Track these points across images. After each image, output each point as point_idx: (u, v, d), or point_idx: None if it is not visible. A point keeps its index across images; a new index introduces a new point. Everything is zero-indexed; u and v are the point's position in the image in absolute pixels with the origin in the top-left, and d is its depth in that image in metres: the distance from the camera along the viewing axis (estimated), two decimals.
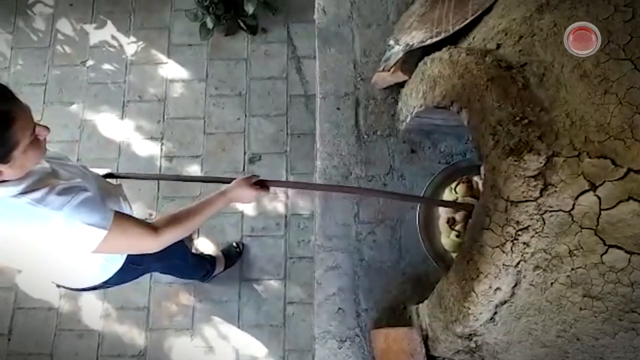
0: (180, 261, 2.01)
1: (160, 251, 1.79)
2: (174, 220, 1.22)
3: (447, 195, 1.51)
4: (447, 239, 1.45)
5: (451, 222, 1.44)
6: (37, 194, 1.03)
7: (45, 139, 1.06)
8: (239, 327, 2.40)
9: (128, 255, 1.48)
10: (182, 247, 2.03)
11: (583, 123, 0.89)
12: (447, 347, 1.20)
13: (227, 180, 1.36)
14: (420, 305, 1.36)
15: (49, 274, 1.47)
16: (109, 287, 1.54)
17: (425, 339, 1.31)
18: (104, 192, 1.34)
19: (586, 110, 0.89)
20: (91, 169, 1.43)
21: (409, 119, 1.51)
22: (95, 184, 1.28)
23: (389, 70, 1.52)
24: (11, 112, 0.95)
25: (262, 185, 1.35)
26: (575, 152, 0.88)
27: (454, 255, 1.45)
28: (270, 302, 2.42)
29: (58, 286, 1.52)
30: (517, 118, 0.95)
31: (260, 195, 1.35)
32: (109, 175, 1.54)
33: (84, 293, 2.45)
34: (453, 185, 1.50)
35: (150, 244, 1.19)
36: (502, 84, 1.01)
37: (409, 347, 1.31)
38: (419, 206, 1.51)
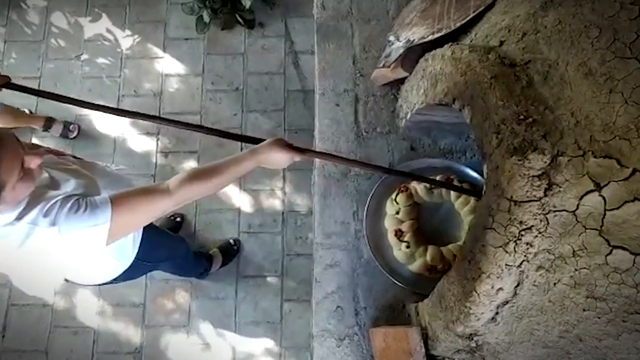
0: (183, 260, 2.01)
1: (169, 249, 1.78)
2: (194, 176, 1.11)
3: (389, 207, 1.48)
4: (398, 251, 1.43)
5: (399, 235, 1.42)
6: (31, 215, 0.99)
7: (38, 166, 1.00)
8: (235, 324, 2.39)
9: (138, 252, 1.47)
10: (185, 246, 2.02)
11: (588, 122, 0.88)
12: (448, 346, 1.19)
13: (256, 140, 1.23)
14: (420, 303, 1.35)
15: (59, 275, 1.45)
16: (119, 282, 1.53)
17: (425, 338, 1.30)
18: (105, 178, 1.30)
19: (591, 109, 0.88)
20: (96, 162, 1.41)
21: (409, 115, 1.49)
22: (91, 177, 1.23)
23: (389, 67, 1.51)
24: None
25: (295, 150, 1.23)
26: (580, 152, 0.86)
27: (410, 267, 1.43)
28: (267, 299, 2.42)
29: (66, 281, 1.50)
30: (521, 117, 0.93)
31: (294, 159, 1.22)
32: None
33: (79, 289, 2.44)
34: (393, 196, 1.48)
35: (165, 204, 1.09)
36: (505, 82, 0.99)
37: (408, 346, 1.30)
38: (365, 226, 1.47)
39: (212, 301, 2.42)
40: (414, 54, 1.44)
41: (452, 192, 1.47)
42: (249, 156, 1.17)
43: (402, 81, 1.57)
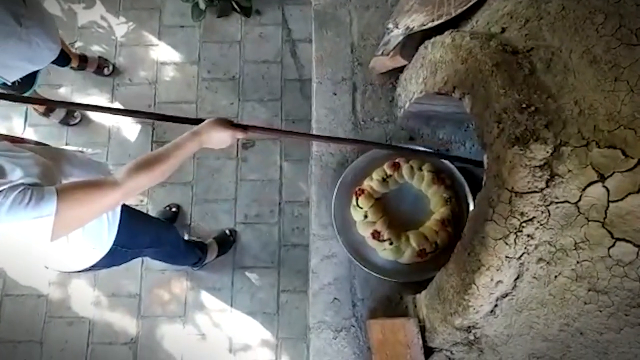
0: (172, 247, 1.98)
1: (153, 236, 1.77)
2: (139, 166, 1.08)
3: (355, 214, 1.46)
4: (384, 251, 1.41)
5: (377, 236, 1.40)
6: None
7: None
8: (232, 315, 2.38)
9: (116, 238, 1.44)
10: (174, 233, 2.00)
11: (592, 111, 0.85)
12: (445, 338, 1.18)
13: (196, 121, 1.22)
14: (418, 295, 1.34)
15: (37, 259, 1.43)
16: (98, 269, 1.51)
17: (423, 330, 1.29)
18: (73, 165, 1.27)
19: (595, 98, 0.86)
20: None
21: (407, 105, 1.47)
22: (48, 165, 1.17)
23: (387, 55, 1.47)
24: None
25: (237, 127, 1.22)
26: (584, 142, 0.84)
27: (401, 260, 1.41)
28: (263, 289, 2.41)
29: (47, 267, 1.48)
30: (524, 105, 0.91)
31: (236, 137, 1.22)
32: None
33: (74, 279, 2.42)
34: (354, 203, 1.45)
35: (114, 198, 1.06)
36: (507, 70, 0.97)
37: (405, 338, 1.29)
38: (343, 244, 1.44)
39: (209, 292, 2.40)
40: (413, 42, 1.41)
41: (404, 173, 1.46)
42: (191, 138, 1.15)
43: (401, 70, 1.54)
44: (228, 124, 1.21)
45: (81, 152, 1.48)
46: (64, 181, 1.14)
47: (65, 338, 2.39)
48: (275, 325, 2.35)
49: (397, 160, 1.48)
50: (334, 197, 1.48)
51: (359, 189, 1.46)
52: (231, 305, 2.38)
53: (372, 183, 1.47)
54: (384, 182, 1.46)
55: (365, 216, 1.44)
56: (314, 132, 1.63)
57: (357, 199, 1.45)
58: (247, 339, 2.35)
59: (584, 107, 0.87)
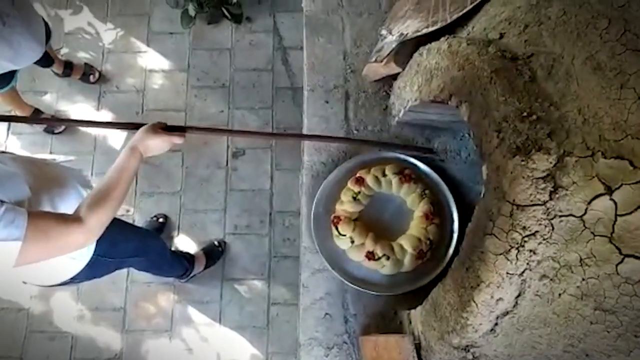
0: (158, 257, 1.92)
1: (137, 245, 1.70)
2: (95, 202, 1.05)
3: (340, 243, 1.40)
4: (383, 269, 1.36)
5: (372, 257, 1.35)
6: None
7: None
8: (220, 329, 2.30)
9: (96, 248, 1.38)
10: (160, 243, 1.94)
11: (597, 120, 0.81)
12: (442, 358, 1.13)
13: (137, 126, 1.19)
14: (413, 311, 1.28)
15: (14, 273, 1.36)
16: (79, 282, 1.45)
17: (418, 348, 1.23)
18: (38, 176, 1.21)
19: (600, 106, 0.82)
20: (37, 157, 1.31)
21: (401, 113, 1.43)
22: (9, 174, 1.13)
23: (381, 62, 1.44)
24: None
25: (173, 130, 1.19)
26: (589, 152, 0.80)
27: (403, 269, 1.37)
28: (253, 302, 2.34)
29: (25, 283, 1.42)
30: (525, 114, 0.87)
31: (173, 141, 1.18)
32: None
33: (56, 292, 2.33)
34: (335, 233, 1.39)
35: (79, 238, 1.03)
36: (507, 76, 0.93)
37: (400, 356, 1.23)
38: (335, 272, 1.39)
39: (196, 305, 2.33)
40: (407, 49, 1.37)
41: (370, 184, 1.42)
42: (130, 155, 1.13)
43: (394, 77, 1.50)
44: (161, 129, 1.17)
45: (52, 160, 1.42)
46: (33, 191, 1.08)
47: (46, 354, 2.30)
48: (265, 339, 2.28)
49: (359, 175, 1.43)
50: (312, 230, 1.43)
51: (335, 217, 1.41)
52: (219, 319, 2.31)
53: (344, 206, 1.42)
54: (356, 201, 1.42)
55: (352, 241, 1.38)
56: (305, 141, 1.58)
57: (336, 227, 1.40)
58: (235, 354, 2.27)
59: (589, 115, 0.83)
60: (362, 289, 1.38)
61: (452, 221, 1.41)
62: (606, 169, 0.78)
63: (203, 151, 2.54)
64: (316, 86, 1.62)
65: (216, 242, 2.37)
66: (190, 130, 1.24)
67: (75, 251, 1.29)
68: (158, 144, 1.16)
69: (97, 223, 1.05)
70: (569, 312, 0.85)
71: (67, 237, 1.01)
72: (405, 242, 1.37)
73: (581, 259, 0.81)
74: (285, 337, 2.27)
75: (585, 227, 0.80)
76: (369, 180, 1.43)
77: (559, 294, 0.85)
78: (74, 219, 1.03)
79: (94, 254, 1.39)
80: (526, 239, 0.84)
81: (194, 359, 2.27)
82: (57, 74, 2.61)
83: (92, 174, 2.50)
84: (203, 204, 2.46)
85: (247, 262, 2.39)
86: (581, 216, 0.80)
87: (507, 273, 0.87)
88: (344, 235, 1.39)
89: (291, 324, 2.26)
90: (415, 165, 1.46)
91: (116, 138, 2.57)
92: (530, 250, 0.84)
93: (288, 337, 2.25)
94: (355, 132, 1.57)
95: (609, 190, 0.77)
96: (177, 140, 1.20)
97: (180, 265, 2.14)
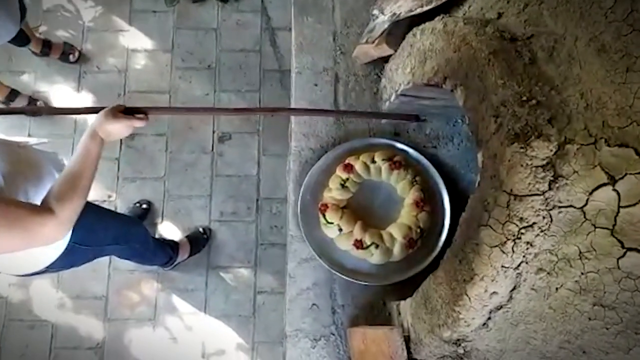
0: (140, 245, 1.85)
1: (117, 232, 1.64)
2: (64, 192, 1.01)
3: (327, 231, 1.36)
4: (372, 257, 1.32)
5: (360, 245, 1.32)
6: None
7: None
8: (205, 318, 2.26)
9: (72, 235, 1.32)
10: (142, 230, 1.87)
11: (600, 105, 0.77)
12: (432, 351, 1.09)
13: (96, 111, 1.15)
14: (402, 302, 1.25)
15: None
16: (55, 271, 1.39)
17: (407, 340, 1.20)
18: (16, 167, 1.16)
19: (604, 91, 0.77)
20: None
21: (393, 97, 1.37)
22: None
23: (372, 43, 1.37)
24: None
25: (134, 112, 1.14)
26: (592, 139, 0.75)
27: (393, 259, 1.33)
28: (239, 290, 2.29)
29: None
30: (524, 98, 0.82)
31: (134, 125, 1.14)
32: None
33: (35, 280, 2.26)
34: (322, 221, 1.35)
35: (52, 231, 0.99)
36: (506, 59, 0.87)
37: (389, 349, 1.19)
38: (327, 266, 1.35)
39: (181, 293, 2.28)
40: (400, 29, 1.31)
41: (359, 171, 1.37)
42: (90, 140, 1.09)
43: (386, 60, 1.44)
44: (120, 112, 1.12)
45: (25, 143, 1.34)
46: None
47: (25, 342, 2.23)
48: (251, 328, 2.24)
49: (347, 162, 1.39)
50: (299, 218, 1.38)
51: (322, 205, 1.36)
52: (205, 308, 2.26)
53: (332, 193, 1.37)
54: (344, 188, 1.37)
55: (340, 229, 1.34)
56: (293, 126, 1.52)
57: (324, 215, 1.35)
58: (221, 343, 2.23)
59: (591, 100, 0.78)
60: (350, 279, 1.34)
61: (444, 209, 1.38)
62: (609, 158, 0.73)
63: (188, 135, 2.46)
64: (304, 68, 1.55)
65: (201, 229, 2.32)
66: (151, 111, 1.19)
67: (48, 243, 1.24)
68: (118, 129, 1.12)
69: (69, 214, 1.02)
70: (566, 307, 0.81)
71: (40, 228, 0.98)
72: (395, 231, 1.33)
73: (580, 252, 0.77)
74: (271, 326, 2.23)
75: (586, 219, 0.76)
76: (358, 166, 1.38)
77: (556, 288, 0.81)
78: (45, 210, 0.99)
79: (70, 242, 1.33)
80: (523, 230, 0.80)
81: (178, 349, 2.22)
82: (35, 53, 2.50)
83: None
84: (188, 190, 2.40)
85: (233, 249, 2.33)
86: (582, 207, 0.76)
87: (502, 266, 0.83)
88: (332, 223, 1.35)
89: (278, 312, 2.22)
90: (405, 151, 1.42)
91: None
92: (527, 243, 0.80)
93: (275, 326, 2.21)
94: (344, 117, 1.51)
95: (612, 180, 0.73)
96: (138, 123, 1.15)
97: (163, 253, 2.08)
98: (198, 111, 1.25)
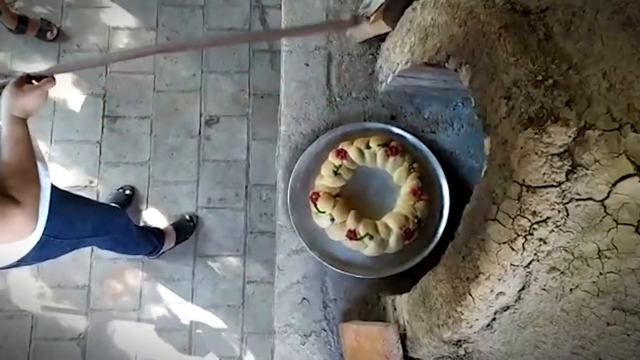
0: (123, 235, 1.76)
1: (96, 223, 1.55)
2: (18, 182, 0.96)
3: (319, 220, 1.29)
4: (367, 249, 1.25)
5: (353, 236, 1.25)
6: None
7: None
8: (192, 308, 2.18)
9: (46, 228, 1.24)
10: (124, 220, 1.78)
11: (625, 86, 0.68)
12: (430, 351, 1.02)
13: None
14: (398, 297, 1.18)
15: None
16: (28, 264, 1.31)
17: (403, 338, 1.13)
18: None
19: (630, 70, 0.69)
20: None
21: (390, 78, 1.28)
22: None
23: (368, 19, 1.27)
24: None
25: (39, 79, 1.06)
26: (615, 124, 0.67)
27: (388, 251, 1.27)
28: (227, 280, 2.22)
29: None
30: (539, 77, 0.73)
31: (45, 90, 1.06)
32: None
33: (13, 270, 2.16)
34: (314, 210, 1.28)
35: (23, 220, 0.95)
36: (518, 33, 0.79)
37: (383, 347, 1.12)
38: (316, 256, 1.28)
39: (167, 283, 2.20)
40: (398, 4, 1.21)
41: (353, 157, 1.29)
42: (10, 126, 1.02)
43: (383, 38, 1.35)
44: (27, 84, 1.04)
45: None
46: None
47: (4, 334, 2.15)
48: (240, 319, 2.17)
49: (340, 148, 1.30)
50: (289, 207, 1.30)
51: (314, 193, 1.28)
52: (191, 298, 2.19)
53: (324, 181, 1.29)
54: (337, 175, 1.29)
55: (332, 219, 1.26)
56: (283, 108, 1.42)
57: (315, 204, 1.27)
58: (208, 334, 2.16)
59: (615, 80, 0.70)
60: (342, 272, 1.27)
61: (443, 198, 1.30)
62: (636, 145, 0.65)
63: (174, 118, 2.36)
64: (295, 47, 1.45)
65: (188, 216, 2.23)
66: (57, 70, 1.10)
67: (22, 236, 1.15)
68: (31, 101, 1.03)
69: (32, 202, 0.97)
70: (581, 310, 0.74)
71: (11, 220, 0.93)
72: (391, 221, 1.25)
73: (600, 251, 0.70)
74: (261, 316, 2.16)
75: (607, 214, 0.68)
76: (352, 152, 1.29)
77: (570, 289, 0.74)
78: (9, 202, 0.93)
79: (43, 234, 1.25)
80: (536, 226, 0.72)
81: (164, 340, 2.15)
82: (10, 30, 2.37)
83: (50, 142, 2.30)
84: (173, 175, 2.30)
85: (221, 237, 2.25)
86: (602, 200, 0.68)
87: (511, 264, 0.76)
88: (323, 213, 1.27)
89: (268, 303, 2.15)
90: (402, 136, 1.33)
91: (77, 102, 2.36)
92: (540, 239, 0.72)
93: (264, 316, 2.15)
94: (337, 99, 1.41)
95: (639, 171, 0.65)
96: (47, 86, 1.06)
97: (148, 242, 1.99)
98: (120, 57, 1.19)
